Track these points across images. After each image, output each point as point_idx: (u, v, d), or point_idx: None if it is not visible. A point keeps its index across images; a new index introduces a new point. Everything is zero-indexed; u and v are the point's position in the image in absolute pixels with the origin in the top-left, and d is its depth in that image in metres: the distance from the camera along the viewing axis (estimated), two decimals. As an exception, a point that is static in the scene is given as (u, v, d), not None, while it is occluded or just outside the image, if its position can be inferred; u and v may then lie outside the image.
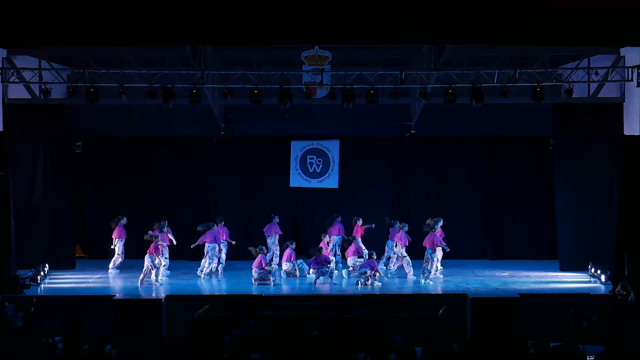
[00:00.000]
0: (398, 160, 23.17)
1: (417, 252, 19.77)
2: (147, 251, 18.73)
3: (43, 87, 18.49)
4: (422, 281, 18.90)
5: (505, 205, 23.01)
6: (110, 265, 20.52)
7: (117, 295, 17.20)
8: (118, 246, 20.54)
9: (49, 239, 20.71)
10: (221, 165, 23.01)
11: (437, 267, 19.57)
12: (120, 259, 20.55)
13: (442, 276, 19.62)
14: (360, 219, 20.77)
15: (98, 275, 20.08)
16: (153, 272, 18.69)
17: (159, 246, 18.89)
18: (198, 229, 19.91)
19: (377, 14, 14.39)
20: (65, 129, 20.94)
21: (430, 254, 18.90)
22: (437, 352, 13.21)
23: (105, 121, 21.51)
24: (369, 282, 18.55)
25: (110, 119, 21.43)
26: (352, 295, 17.79)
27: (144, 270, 18.73)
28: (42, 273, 19.15)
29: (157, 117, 21.08)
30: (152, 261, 18.64)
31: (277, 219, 21.09)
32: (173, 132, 22.06)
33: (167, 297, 17.18)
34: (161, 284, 18.71)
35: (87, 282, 19.29)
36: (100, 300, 16.99)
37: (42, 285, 18.84)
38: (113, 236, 20.62)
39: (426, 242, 19.03)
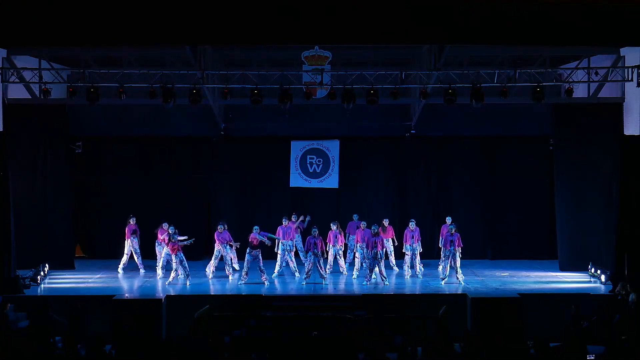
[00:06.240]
0: (398, 160, 23.16)
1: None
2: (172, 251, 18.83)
3: (43, 87, 18.48)
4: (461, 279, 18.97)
5: (505, 205, 23.01)
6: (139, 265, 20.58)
7: (117, 295, 17.21)
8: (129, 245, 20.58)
9: (48, 239, 20.73)
10: (221, 165, 23.01)
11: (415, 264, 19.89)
12: (125, 258, 20.53)
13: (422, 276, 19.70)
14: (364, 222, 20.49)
15: (98, 275, 20.08)
16: (180, 271, 18.80)
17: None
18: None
19: (376, 14, 14.38)
20: (65, 129, 20.97)
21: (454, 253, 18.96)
22: (437, 352, 13.17)
23: (105, 121, 21.52)
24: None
25: (110, 119, 21.44)
26: (352, 295, 17.79)
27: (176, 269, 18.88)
28: (42, 273, 19.16)
29: (157, 117, 21.10)
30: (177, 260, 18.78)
31: (294, 217, 21.04)
32: (173, 132, 22.05)
33: (167, 297, 17.19)
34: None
35: (87, 282, 19.29)
36: (100, 300, 17.00)
37: (42, 285, 18.85)
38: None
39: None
